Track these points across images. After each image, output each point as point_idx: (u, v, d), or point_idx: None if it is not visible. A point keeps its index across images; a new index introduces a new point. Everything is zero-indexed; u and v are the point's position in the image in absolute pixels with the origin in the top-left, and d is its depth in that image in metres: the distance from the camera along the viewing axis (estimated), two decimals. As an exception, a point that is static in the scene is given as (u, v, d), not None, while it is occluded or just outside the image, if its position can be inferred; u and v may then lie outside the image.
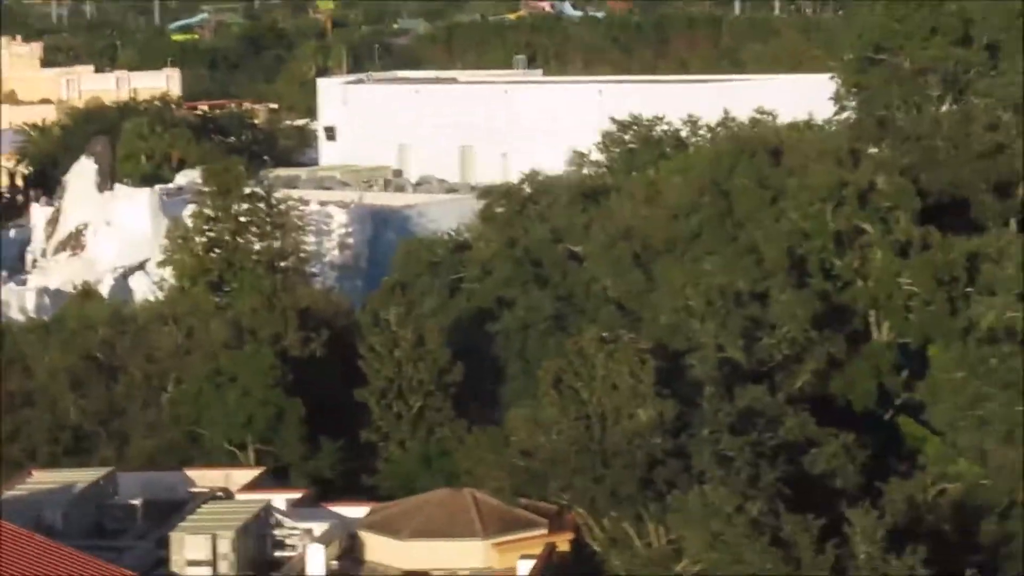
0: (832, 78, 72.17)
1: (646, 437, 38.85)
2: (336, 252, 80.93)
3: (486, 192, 63.87)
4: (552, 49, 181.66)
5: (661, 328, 46.25)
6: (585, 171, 66.35)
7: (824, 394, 46.73)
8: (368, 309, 48.92)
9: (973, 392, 41.81)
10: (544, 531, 41.06)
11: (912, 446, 47.78)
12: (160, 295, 66.04)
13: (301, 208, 71.23)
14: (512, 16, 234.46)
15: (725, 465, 37.77)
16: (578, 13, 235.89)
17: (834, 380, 47.15)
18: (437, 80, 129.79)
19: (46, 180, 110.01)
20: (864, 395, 47.28)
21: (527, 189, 62.67)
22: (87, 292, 72.92)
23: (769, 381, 44.53)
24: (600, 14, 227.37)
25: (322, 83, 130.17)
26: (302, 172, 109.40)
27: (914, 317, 48.24)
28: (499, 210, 61.99)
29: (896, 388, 48.32)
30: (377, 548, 41.33)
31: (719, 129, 63.00)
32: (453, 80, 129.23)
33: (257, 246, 66.03)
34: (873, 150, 57.27)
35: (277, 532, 40.26)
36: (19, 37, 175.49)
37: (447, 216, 69.43)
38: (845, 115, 67.95)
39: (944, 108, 63.41)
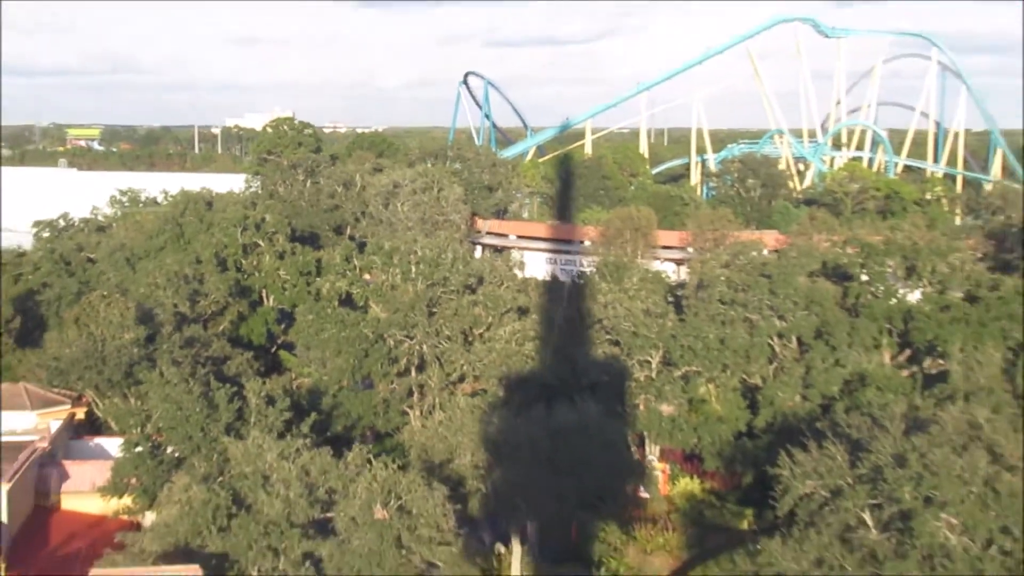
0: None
1: (129, 349, 60.82)
2: None
3: None
4: None
5: (141, 295, 73.65)
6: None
7: (238, 334, 76.87)
8: None
9: (317, 326, 72.76)
10: (68, 406, 60.09)
11: (284, 366, 78.00)
12: None
13: None
14: None
15: (177, 365, 58.43)
16: None
17: (243, 327, 77.56)
18: None
19: None
20: (260, 336, 78.00)
21: None
22: None
23: (204, 324, 74.03)
24: None
25: None
26: None
27: (287, 293, 79.59)
28: None
29: (278, 333, 79.57)
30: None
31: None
32: None
33: None
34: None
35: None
36: None
37: None
38: (251, 190, 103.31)
39: (307, 185, 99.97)
